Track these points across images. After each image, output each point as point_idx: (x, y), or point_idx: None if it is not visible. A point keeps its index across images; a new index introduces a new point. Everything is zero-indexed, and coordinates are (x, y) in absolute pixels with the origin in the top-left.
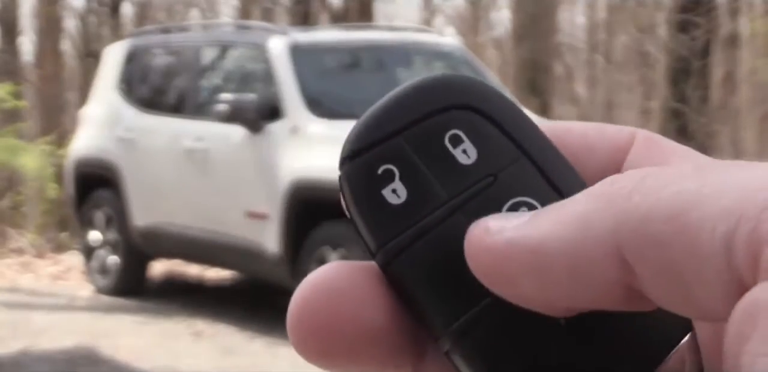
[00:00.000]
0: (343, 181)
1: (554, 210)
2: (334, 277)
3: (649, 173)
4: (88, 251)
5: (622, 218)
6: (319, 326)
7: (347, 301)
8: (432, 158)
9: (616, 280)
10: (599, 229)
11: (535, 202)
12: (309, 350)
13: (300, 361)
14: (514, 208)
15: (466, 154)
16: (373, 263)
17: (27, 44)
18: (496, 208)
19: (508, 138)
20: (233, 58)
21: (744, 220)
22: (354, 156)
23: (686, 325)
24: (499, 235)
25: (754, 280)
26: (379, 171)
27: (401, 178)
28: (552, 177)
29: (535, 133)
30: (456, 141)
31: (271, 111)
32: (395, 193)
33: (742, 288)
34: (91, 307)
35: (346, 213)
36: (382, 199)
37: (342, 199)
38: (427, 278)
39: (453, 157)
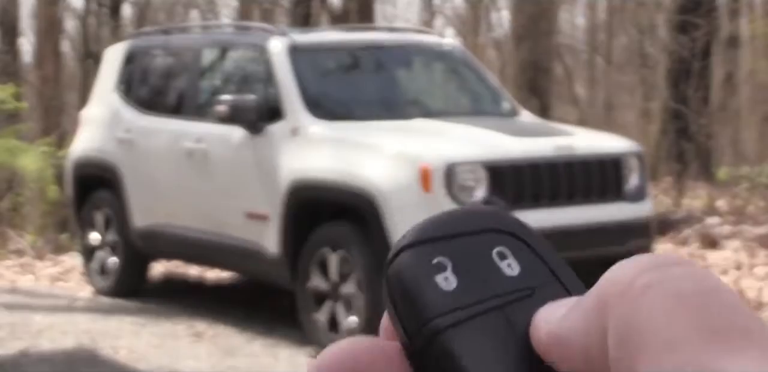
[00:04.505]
0: (400, 264)
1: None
2: (352, 357)
3: None
4: (88, 252)
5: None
6: None
7: None
8: (481, 262)
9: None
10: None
11: None
12: None
13: (299, 361)
14: None
15: (510, 267)
16: (389, 343)
17: (27, 45)
18: (530, 315)
19: (542, 261)
20: (233, 59)
21: None
22: (413, 245)
23: None
24: (546, 328)
25: None
26: (434, 261)
27: (453, 271)
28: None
29: (559, 260)
30: (502, 256)
31: (271, 112)
32: (446, 280)
33: None
34: (91, 309)
35: (391, 291)
36: (435, 283)
37: (390, 280)
38: (472, 352)
39: (498, 267)
